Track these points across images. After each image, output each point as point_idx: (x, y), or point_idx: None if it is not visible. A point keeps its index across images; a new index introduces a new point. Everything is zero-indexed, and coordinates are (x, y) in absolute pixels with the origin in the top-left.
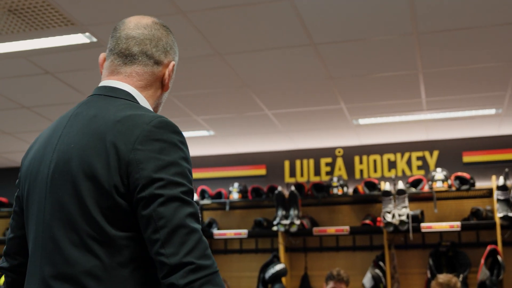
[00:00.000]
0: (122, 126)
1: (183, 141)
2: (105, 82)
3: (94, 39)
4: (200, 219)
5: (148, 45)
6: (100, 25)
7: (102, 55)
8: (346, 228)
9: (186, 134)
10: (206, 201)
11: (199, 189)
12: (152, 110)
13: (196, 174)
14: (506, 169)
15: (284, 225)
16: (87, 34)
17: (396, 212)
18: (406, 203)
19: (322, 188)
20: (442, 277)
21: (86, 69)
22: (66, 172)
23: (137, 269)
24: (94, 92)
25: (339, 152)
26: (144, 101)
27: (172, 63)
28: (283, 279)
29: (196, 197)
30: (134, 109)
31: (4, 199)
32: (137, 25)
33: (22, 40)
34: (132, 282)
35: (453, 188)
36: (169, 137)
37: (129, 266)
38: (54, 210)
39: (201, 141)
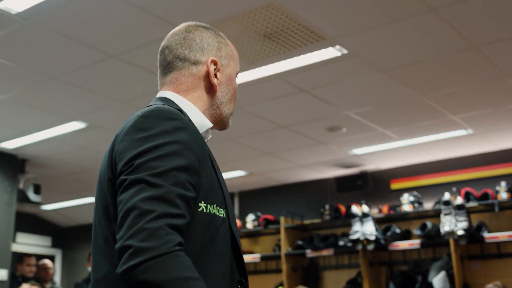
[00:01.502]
0: (125, 123)
1: (178, 127)
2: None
3: (345, 51)
4: (175, 202)
5: (179, 49)
6: (349, 36)
7: None
8: None
9: (442, 135)
10: (472, 204)
11: (463, 192)
12: (198, 111)
13: (457, 176)
14: None
15: None
16: (337, 47)
17: None
18: None
19: None
20: None
21: (339, 81)
22: (98, 181)
23: None
24: None
25: None
26: (187, 104)
27: (211, 58)
28: None
29: (460, 199)
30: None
31: (271, 217)
32: (171, 35)
33: (277, 62)
34: None
35: None
36: (156, 125)
37: None
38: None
39: (459, 141)
